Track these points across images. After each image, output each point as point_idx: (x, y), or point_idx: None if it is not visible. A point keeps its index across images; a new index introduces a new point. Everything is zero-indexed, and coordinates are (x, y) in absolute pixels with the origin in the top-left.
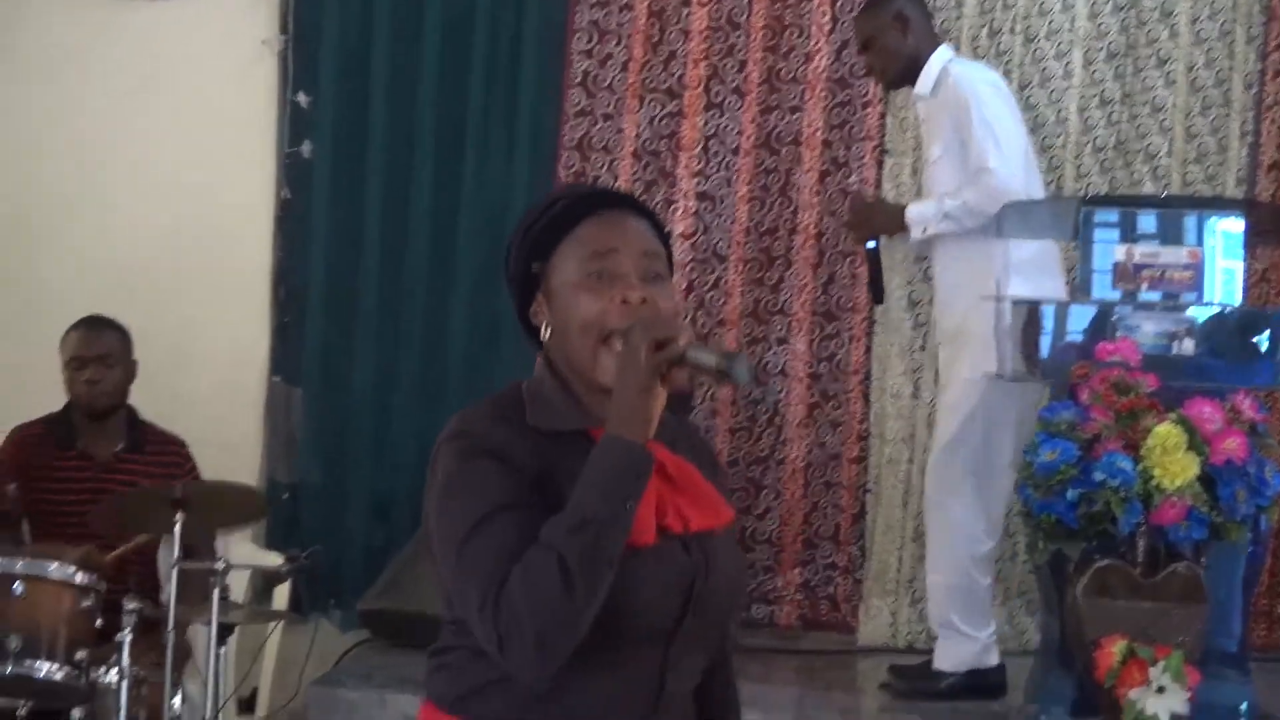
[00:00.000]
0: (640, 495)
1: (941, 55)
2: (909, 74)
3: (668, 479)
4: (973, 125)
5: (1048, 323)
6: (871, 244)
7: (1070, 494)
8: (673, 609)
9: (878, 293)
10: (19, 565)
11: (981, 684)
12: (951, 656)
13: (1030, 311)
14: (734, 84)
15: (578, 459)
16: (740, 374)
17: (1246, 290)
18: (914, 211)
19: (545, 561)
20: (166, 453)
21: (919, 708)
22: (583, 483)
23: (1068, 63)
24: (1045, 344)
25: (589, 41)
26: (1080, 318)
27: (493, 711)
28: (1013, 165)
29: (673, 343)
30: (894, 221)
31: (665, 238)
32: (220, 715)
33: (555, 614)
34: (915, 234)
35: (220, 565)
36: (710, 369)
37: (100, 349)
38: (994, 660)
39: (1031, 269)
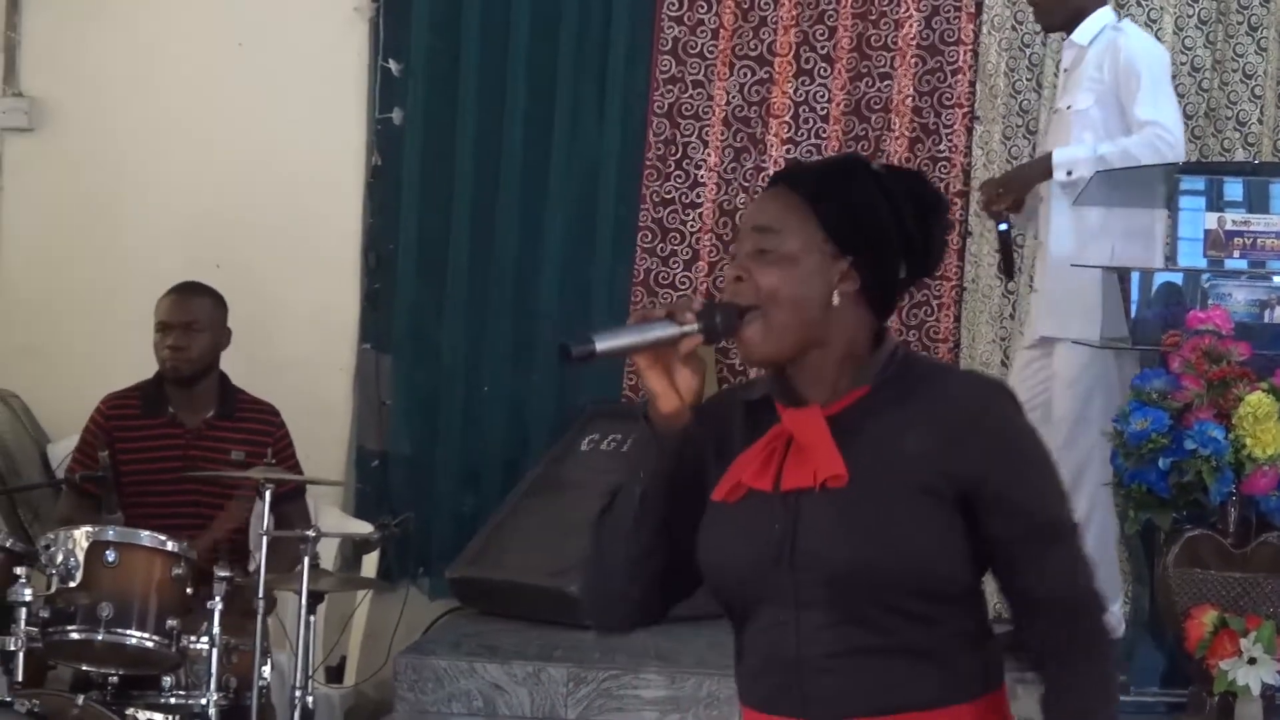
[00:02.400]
0: (651, 463)
1: (1106, 14)
2: (1070, 22)
3: (793, 440)
4: (1142, 86)
5: (1137, 290)
6: (1003, 226)
7: (1161, 463)
8: (761, 564)
9: (1009, 269)
10: (111, 533)
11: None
12: None
13: (1120, 278)
14: (824, 50)
15: (758, 423)
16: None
17: None
18: (1062, 155)
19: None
20: (258, 420)
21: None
22: None
23: (1158, 29)
24: (1135, 311)
25: (679, 8)
26: (1169, 285)
27: None
28: (1180, 129)
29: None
30: (1037, 172)
31: (824, 209)
32: (309, 683)
33: (587, 564)
34: (1059, 176)
35: (310, 533)
36: None
37: (186, 315)
38: (1121, 631)
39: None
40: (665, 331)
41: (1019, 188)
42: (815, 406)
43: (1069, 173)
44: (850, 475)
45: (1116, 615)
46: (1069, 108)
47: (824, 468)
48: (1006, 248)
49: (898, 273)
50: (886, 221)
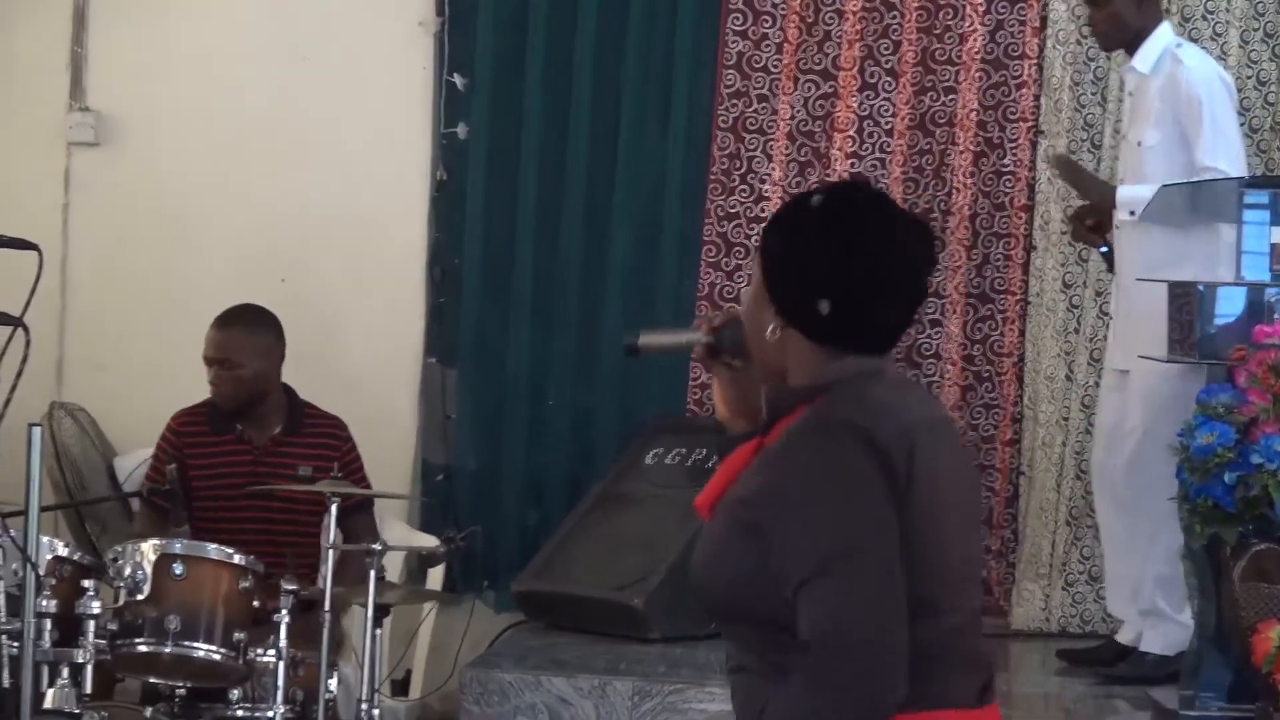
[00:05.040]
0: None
1: (1164, 34)
2: (1130, 43)
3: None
4: (1203, 126)
5: (1202, 305)
6: (1104, 249)
7: (1227, 477)
8: None
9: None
10: (178, 546)
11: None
12: (1161, 640)
13: (1185, 293)
14: (888, 65)
15: None
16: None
17: None
18: (1126, 194)
19: None
20: (324, 434)
21: (1113, 691)
22: None
23: (1224, 43)
24: (1200, 326)
25: (743, 22)
26: (1234, 300)
27: None
28: (1239, 167)
29: None
30: (1101, 193)
31: (761, 245)
32: (375, 696)
33: None
34: (1122, 215)
35: (377, 547)
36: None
37: (220, 353)
38: (1188, 644)
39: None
40: (684, 337)
41: (1073, 185)
42: (756, 438)
43: (1132, 213)
44: (719, 506)
45: (1185, 624)
46: (1139, 144)
47: (701, 496)
48: (1110, 259)
49: (813, 310)
50: (788, 261)
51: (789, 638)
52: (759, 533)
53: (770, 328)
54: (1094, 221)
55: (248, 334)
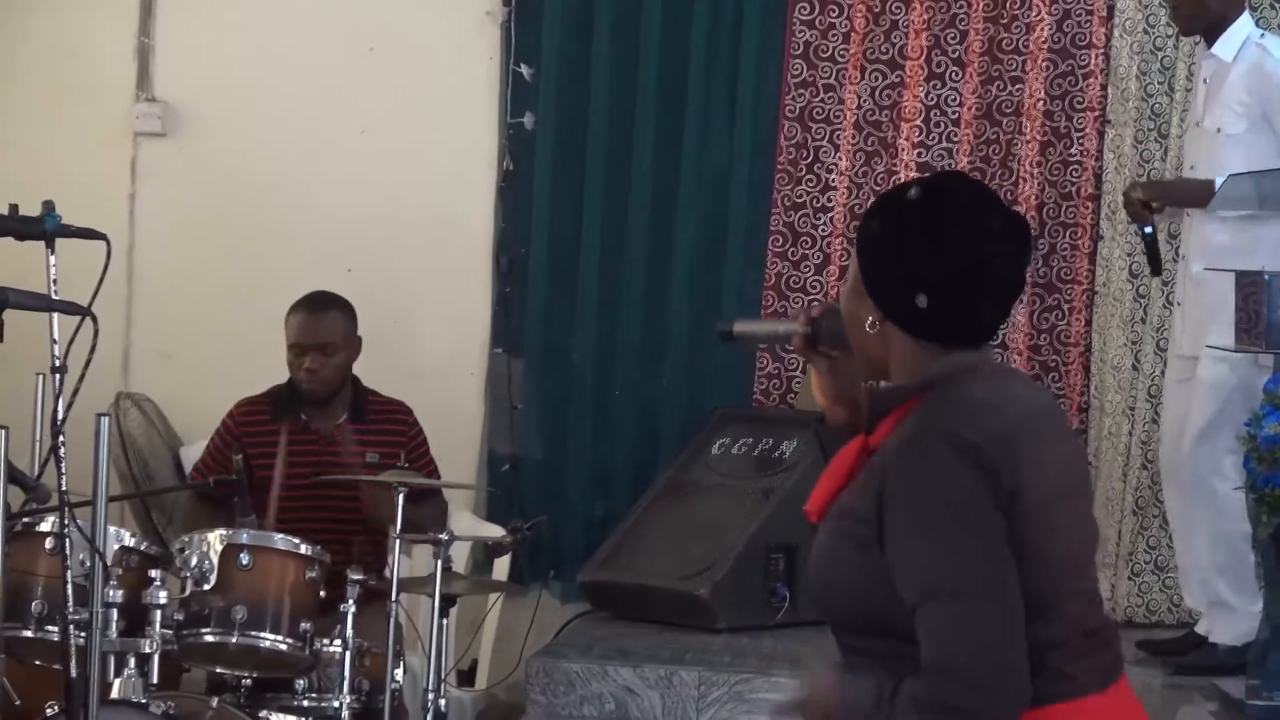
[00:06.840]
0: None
1: (1246, 23)
2: (1210, 28)
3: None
4: None
5: (1270, 294)
6: (1148, 229)
7: None
8: None
9: (1157, 267)
10: (244, 536)
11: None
12: (1228, 631)
13: (1252, 283)
14: (955, 54)
15: None
16: None
17: None
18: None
19: None
20: (390, 421)
21: (1180, 681)
22: None
23: None
24: (1268, 316)
25: (810, 12)
26: None
27: None
28: None
29: None
30: (1194, 196)
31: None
32: (442, 686)
33: None
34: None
35: (444, 536)
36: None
37: (320, 337)
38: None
39: None
40: (781, 326)
41: (1169, 202)
42: (860, 436)
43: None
44: (829, 512)
45: (1255, 614)
46: (1219, 130)
47: (813, 501)
48: (1152, 248)
49: (912, 304)
50: (886, 254)
51: (909, 646)
52: (871, 548)
53: (869, 321)
54: (1152, 199)
55: (343, 319)
